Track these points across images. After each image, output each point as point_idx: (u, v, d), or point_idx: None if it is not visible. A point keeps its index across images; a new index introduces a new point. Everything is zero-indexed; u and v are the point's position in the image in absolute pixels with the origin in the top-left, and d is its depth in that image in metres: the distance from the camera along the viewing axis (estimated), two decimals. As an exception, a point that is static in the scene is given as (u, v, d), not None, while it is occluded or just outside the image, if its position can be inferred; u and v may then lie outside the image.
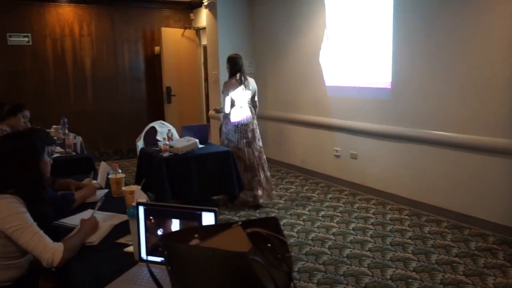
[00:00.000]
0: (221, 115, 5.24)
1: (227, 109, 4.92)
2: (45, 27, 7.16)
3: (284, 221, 4.51)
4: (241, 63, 4.90)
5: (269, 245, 1.24)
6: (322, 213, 4.75)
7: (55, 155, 3.69)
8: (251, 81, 5.01)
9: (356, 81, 5.37)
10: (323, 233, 4.18)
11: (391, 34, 4.82)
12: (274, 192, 5.19)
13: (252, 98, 5.03)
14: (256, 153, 4.98)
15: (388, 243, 3.92)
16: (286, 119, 6.66)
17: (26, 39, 7.04)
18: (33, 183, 1.97)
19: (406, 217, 4.57)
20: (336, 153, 5.78)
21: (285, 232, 4.19)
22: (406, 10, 4.65)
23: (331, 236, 4.10)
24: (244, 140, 4.94)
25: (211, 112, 7.23)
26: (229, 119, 4.96)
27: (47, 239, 1.81)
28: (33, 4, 7.02)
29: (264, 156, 5.12)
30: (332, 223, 4.44)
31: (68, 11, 7.31)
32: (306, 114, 6.25)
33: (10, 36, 6.93)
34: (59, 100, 7.37)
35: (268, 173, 5.09)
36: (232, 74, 4.91)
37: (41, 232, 1.83)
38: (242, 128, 4.93)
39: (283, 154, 6.84)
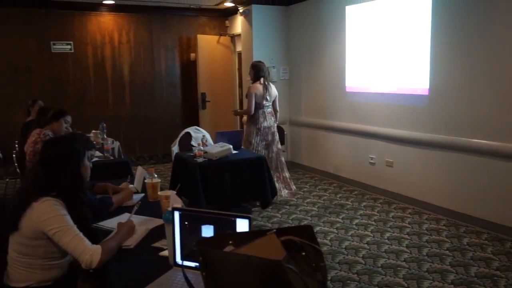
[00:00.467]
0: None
1: (251, 110, 5.15)
2: (86, 35, 7.40)
3: (317, 228, 4.47)
4: (264, 69, 5.22)
5: (304, 253, 1.23)
6: (356, 221, 4.68)
7: (94, 159, 3.79)
8: (273, 87, 5.33)
9: (391, 87, 5.29)
10: (357, 242, 4.11)
11: (429, 37, 4.71)
12: (285, 190, 5.35)
13: (273, 103, 5.32)
14: (271, 155, 5.28)
15: (425, 253, 3.81)
16: (320, 126, 6.61)
17: (69, 46, 7.30)
18: (73, 186, 2.03)
19: (444, 227, 4.43)
20: (371, 161, 5.69)
21: (318, 240, 4.12)
22: (445, 12, 4.55)
23: (365, 245, 4.03)
24: (264, 143, 5.24)
25: (244, 118, 7.28)
26: (251, 121, 5.23)
27: (86, 241, 1.86)
28: (76, 13, 7.28)
29: (282, 158, 5.41)
30: (366, 232, 4.36)
31: (109, 19, 7.53)
32: (340, 121, 6.19)
33: (54, 44, 7.20)
34: (99, 105, 7.59)
35: (286, 174, 5.39)
36: (256, 79, 5.22)
37: (81, 234, 1.88)
38: (264, 130, 5.21)
39: (316, 161, 6.79)
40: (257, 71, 5.20)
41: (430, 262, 3.64)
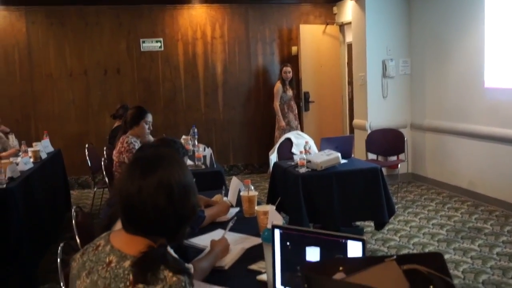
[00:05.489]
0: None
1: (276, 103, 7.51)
2: (177, 31, 7.84)
3: (446, 256, 4.24)
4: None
5: (431, 287, 1.18)
6: (497, 250, 4.37)
7: (185, 168, 3.97)
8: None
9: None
10: (498, 276, 3.84)
11: None
12: None
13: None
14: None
15: None
16: (450, 130, 6.30)
17: (158, 44, 7.79)
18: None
19: None
20: (517, 174, 5.29)
21: (448, 271, 3.94)
22: None
23: (510, 281, 3.75)
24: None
25: (356, 121, 7.18)
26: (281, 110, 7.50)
27: (181, 261, 1.96)
28: (166, 8, 7.75)
29: None
30: (511, 264, 4.06)
31: (201, 12, 7.91)
32: (477, 124, 5.83)
33: (143, 42, 7.73)
34: (190, 108, 7.98)
35: None
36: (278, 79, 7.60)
37: (171, 251, 1.99)
38: (289, 115, 7.45)
39: (445, 173, 6.47)
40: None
41: None
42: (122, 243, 1.39)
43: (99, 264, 1.38)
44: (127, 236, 1.40)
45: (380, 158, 6.62)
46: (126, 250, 1.36)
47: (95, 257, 1.41)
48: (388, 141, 6.44)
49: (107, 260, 1.37)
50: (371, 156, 6.50)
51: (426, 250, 4.44)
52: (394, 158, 6.55)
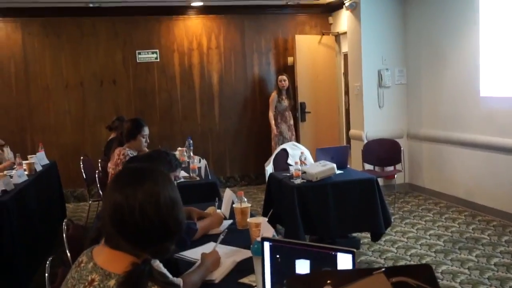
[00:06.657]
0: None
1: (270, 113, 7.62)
2: (173, 41, 7.86)
3: (443, 268, 4.23)
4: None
5: (420, 300, 1.17)
6: (495, 260, 4.36)
7: (179, 180, 3.96)
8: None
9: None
10: (495, 287, 3.83)
11: None
12: None
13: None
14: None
15: None
16: (447, 140, 6.30)
17: (154, 55, 7.80)
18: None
19: None
20: (515, 184, 5.29)
21: (445, 282, 3.95)
22: None
23: (508, 292, 3.73)
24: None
25: (352, 131, 7.18)
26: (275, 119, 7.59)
27: (167, 274, 1.94)
28: (162, 19, 7.78)
29: None
30: (508, 274, 4.05)
31: (197, 23, 7.93)
32: (474, 133, 5.84)
33: (139, 53, 7.74)
34: (186, 119, 7.98)
35: None
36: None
37: (161, 265, 1.97)
38: (281, 126, 7.48)
39: (442, 183, 6.46)
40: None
41: None
42: (105, 260, 1.37)
43: (80, 282, 1.36)
44: (110, 252, 1.38)
45: (377, 168, 6.61)
46: (110, 268, 1.34)
47: (77, 274, 1.40)
48: (384, 151, 6.44)
49: (89, 278, 1.35)
50: (368, 166, 6.49)
51: (423, 261, 4.43)
52: (391, 168, 6.54)
